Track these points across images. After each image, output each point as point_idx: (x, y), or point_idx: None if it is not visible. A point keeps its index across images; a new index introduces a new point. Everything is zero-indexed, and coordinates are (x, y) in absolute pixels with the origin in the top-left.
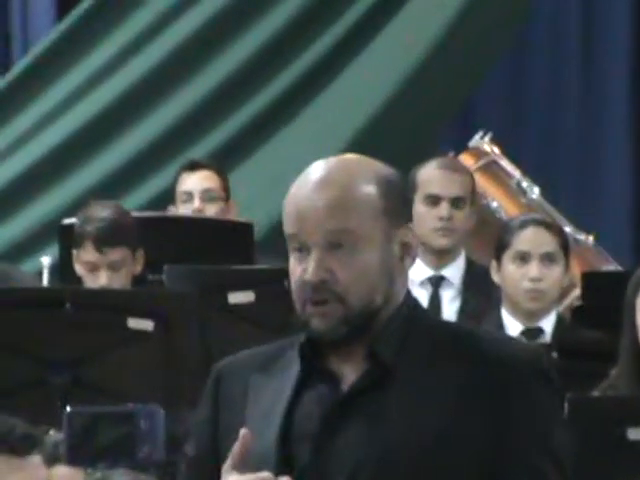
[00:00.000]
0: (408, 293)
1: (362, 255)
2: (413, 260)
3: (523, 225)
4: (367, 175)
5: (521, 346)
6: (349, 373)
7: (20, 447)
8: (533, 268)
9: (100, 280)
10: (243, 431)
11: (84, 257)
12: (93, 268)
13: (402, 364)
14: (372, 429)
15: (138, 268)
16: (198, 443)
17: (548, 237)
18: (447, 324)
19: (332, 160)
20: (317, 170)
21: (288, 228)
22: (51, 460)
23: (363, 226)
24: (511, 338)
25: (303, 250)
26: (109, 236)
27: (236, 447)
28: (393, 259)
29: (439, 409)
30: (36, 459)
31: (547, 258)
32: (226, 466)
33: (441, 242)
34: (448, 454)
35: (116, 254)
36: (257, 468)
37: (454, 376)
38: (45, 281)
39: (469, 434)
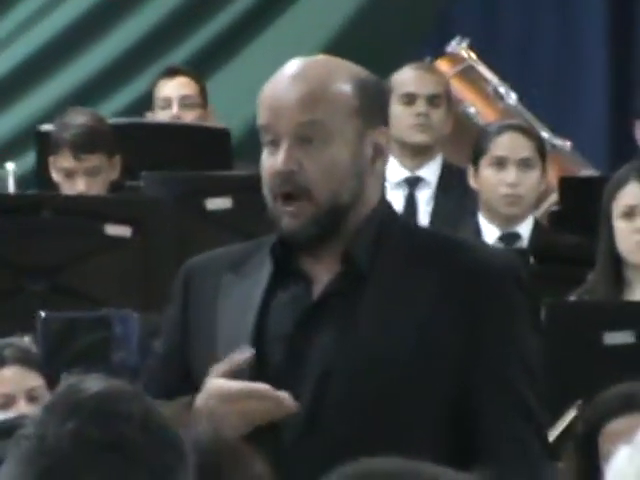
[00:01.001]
0: (383, 198)
1: (331, 150)
2: (385, 163)
3: (500, 131)
4: (343, 73)
5: (496, 252)
6: (322, 275)
7: None
8: (510, 173)
9: (77, 186)
10: (248, 352)
11: (61, 163)
12: (70, 174)
13: (376, 268)
14: (344, 333)
15: (115, 174)
16: (167, 341)
17: (525, 142)
18: (423, 230)
19: (310, 58)
20: (293, 65)
21: (261, 119)
22: None
23: (334, 121)
24: (486, 245)
25: (275, 143)
26: (86, 142)
27: (233, 359)
28: (364, 159)
29: (412, 316)
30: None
31: (524, 163)
32: (215, 372)
33: (418, 138)
34: (420, 362)
35: (93, 160)
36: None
37: (428, 282)
38: (10, 188)
39: (441, 342)
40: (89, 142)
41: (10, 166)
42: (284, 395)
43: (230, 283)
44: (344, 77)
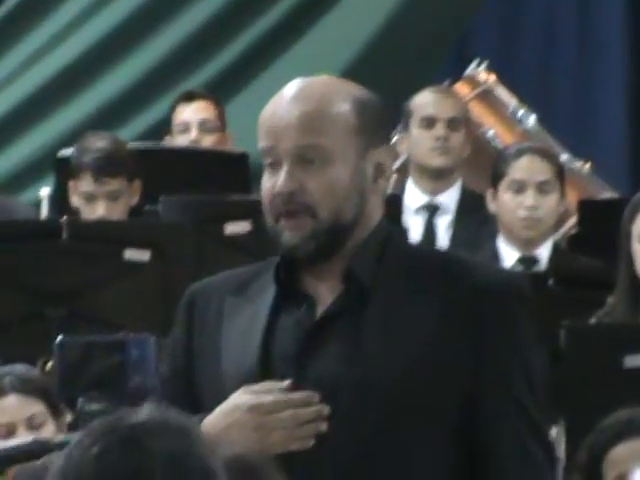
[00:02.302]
0: (384, 217)
1: (332, 170)
2: (387, 181)
3: (519, 154)
4: (342, 93)
5: (497, 270)
6: (326, 294)
7: None
8: (529, 197)
9: (98, 210)
10: (286, 383)
11: (82, 188)
12: (91, 198)
13: (379, 285)
14: (349, 352)
15: (135, 199)
16: (172, 364)
17: (544, 166)
18: (424, 249)
19: (309, 78)
20: (292, 87)
21: (262, 141)
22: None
23: (335, 142)
24: (488, 263)
25: (275, 165)
26: (107, 166)
27: (270, 385)
28: (365, 178)
29: (416, 334)
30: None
31: (543, 187)
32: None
33: (438, 161)
34: (424, 380)
35: (114, 184)
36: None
37: (432, 300)
38: (44, 213)
39: (445, 360)
40: (110, 165)
41: (44, 191)
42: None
43: (234, 306)
44: (343, 97)
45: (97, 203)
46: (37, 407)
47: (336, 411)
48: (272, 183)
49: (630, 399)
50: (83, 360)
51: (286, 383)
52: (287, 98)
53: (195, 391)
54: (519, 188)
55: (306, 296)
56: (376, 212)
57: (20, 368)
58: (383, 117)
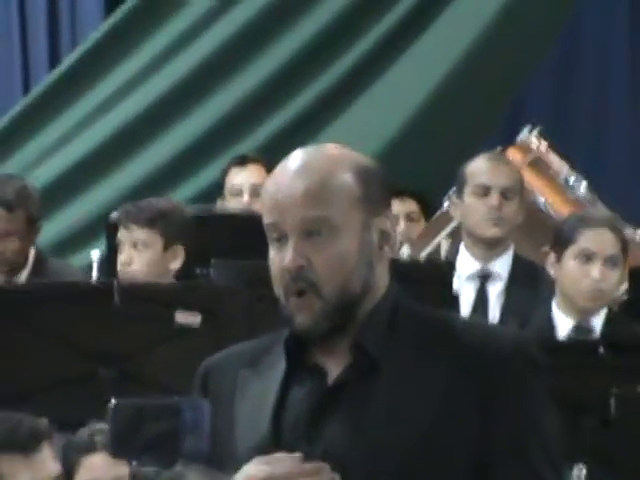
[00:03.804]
0: (392, 282)
1: (339, 242)
2: (392, 247)
3: (590, 224)
4: (344, 163)
5: (505, 331)
6: (334, 366)
7: (28, 444)
8: (596, 268)
9: (121, 257)
10: (298, 455)
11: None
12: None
13: (388, 356)
14: (359, 424)
15: (176, 264)
16: None
17: (613, 239)
18: (433, 314)
19: (310, 149)
20: (295, 159)
21: (266, 218)
22: (86, 449)
23: (340, 214)
24: (494, 324)
25: (282, 240)
26: (137, 214)
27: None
28: (372, 247)
29: (425, 402)
30: (45, 453)
31: (611, 260)
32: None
33: (492, 232)
34: (436, 451)
35: (140, 233)
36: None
37: (440, 366)
38: (94, 275)
39: (456, 426)
40: (139, 214)
41: (95, 254)
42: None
43: (246, 380)
44: (346, 167)
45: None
46: (123, 469)
47: None
48: (280, 258)
49: None
50: (136, 423)
51: (298, 454)
52: (290, 172)
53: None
54: (588, 258)
55: (317, 369)
56: (383, 280)
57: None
58: (383, 183)
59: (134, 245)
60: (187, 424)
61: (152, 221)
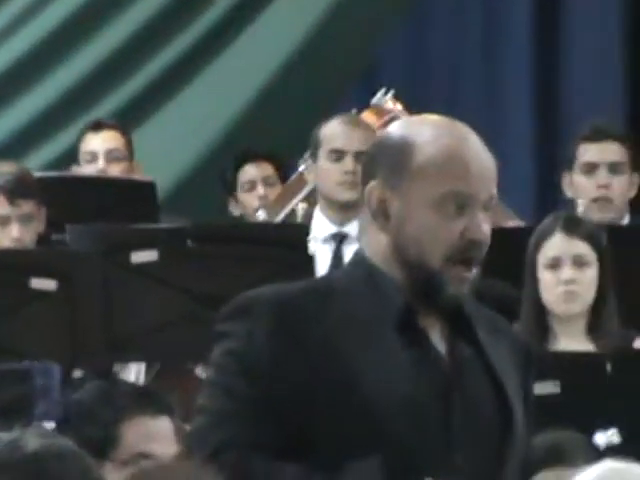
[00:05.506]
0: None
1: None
2: None
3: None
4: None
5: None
6: (432, 328)
7: None
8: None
9: (12, 233)
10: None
11: None
12: (5, 222)
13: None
14: (491, 390)
15: (42, 226)
16: (252, 385)
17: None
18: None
19: (453, 122)
20: (468, 131)
21: (456, 185)
22: None
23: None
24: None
25: (464, 208)
26: (20, 187)
27: None
28: None
29: (510, 379)
30: None
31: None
32: None
33: (346, 195)
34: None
35: (28, 206)
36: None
37: (503, 348)
38: None
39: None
40: (22, 187)
41: None
42: None
43: (343, 331)
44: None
45: (11, 226)
46: None
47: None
48: (459, 227)
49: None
50: None
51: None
52: (480, 148)
53: (291, 412)
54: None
55: (422, 331)
56: None
57: None
58: None
59: (23, 220)
60: (38, 389)
61: (32, 190)
